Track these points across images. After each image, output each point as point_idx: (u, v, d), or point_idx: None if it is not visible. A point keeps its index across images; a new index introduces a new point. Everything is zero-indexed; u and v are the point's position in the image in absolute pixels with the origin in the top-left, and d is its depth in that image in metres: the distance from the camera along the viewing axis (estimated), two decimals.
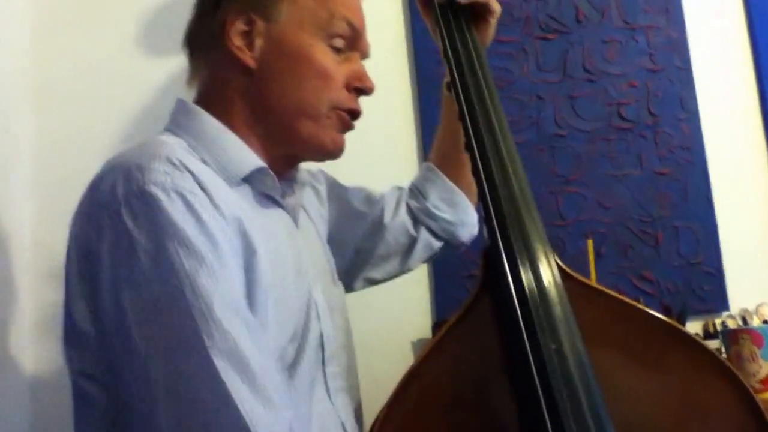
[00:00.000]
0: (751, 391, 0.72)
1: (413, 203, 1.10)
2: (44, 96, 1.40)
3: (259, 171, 0.83)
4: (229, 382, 0.64)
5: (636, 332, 0.77)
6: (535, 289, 0.75)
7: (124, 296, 0.67)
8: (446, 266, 1.53)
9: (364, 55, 0.93)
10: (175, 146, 0.77)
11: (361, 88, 0.89)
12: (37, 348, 1.32)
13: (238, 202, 0.78)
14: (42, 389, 1.34)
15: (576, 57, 1.67)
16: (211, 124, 0.83)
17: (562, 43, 1.68)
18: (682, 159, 1.66)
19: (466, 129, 0.89)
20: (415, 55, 1.62)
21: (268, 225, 0.81)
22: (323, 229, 1.05)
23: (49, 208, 1.36)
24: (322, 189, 1.08)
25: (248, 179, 0.83)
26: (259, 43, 0.84)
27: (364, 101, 0.92)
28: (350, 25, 0.88)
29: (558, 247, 1.59)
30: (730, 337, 1.36)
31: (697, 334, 1.50)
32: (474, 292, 0.79)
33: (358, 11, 0.91)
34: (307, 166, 0.99)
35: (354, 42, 0.89)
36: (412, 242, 1.09)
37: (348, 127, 0.90)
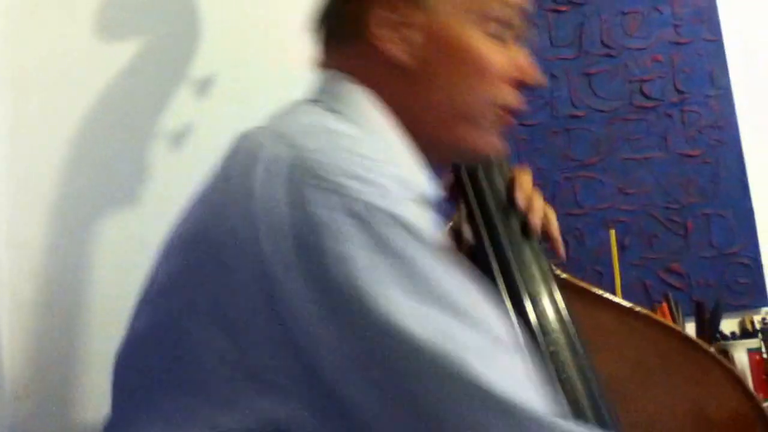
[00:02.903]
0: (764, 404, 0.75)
1: None
2: (19, 82, 1.35)
3: (434, 198, 0.74)
4: None
5: (639, 339, 0.79)
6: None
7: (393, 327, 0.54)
8: None
9: (521, 38, 0.81)
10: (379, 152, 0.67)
11: (521, 79, 0.78)
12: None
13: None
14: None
15: (593, 30, 1.60)
16: (387, 125, 0.73)
17: (577, 16, 1.60)
18: (713, 140, 1.57)
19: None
20: None
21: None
22: None
23: (24, 200, 1.30)
24: None
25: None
26: (407, 34, 0.74)
27: None
28: (509, 6, 0.76)
29: (576, 239, 1.52)
30: None
31: (733, 333, 1.45)
32: None
33: None
34: None
35: (512, 26, 0.78)
36: None
37: (509, 126, 0.80)
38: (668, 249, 1.52)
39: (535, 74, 0.78)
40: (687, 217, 1.53)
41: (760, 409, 0.72)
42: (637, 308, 0.80)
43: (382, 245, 0.55)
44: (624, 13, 1.59)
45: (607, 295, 0.80)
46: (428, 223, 0.62)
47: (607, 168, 1.54)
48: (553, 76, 1.56)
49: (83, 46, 1.36)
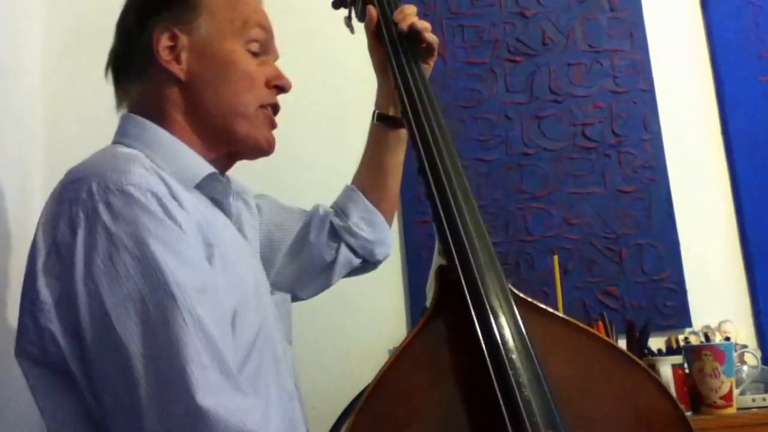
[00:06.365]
0: (681, 406, 0.82)
1: (337, 221, 1.15)
2: (54, 108, 1.52)
3: (210, 176, 0.88)
4: (212, 378, 0.69)
5: (585, 350, 0.84)
6: (497, 320, 0.80)
7: (103, 290, 0.70)
8: (421, 278, 1.58)
9: (275, 57, 1.00)
10: (140, 155, 0.82)
11: (280, 85, 0.97)
12: None
13: (198, 207, 0.83)
14: None
15: (543, 79, 1.73)
16: (161, 133, 0.88)
17: (530, 66, 1.73)
18: (645, 178, 1.71)
19: (419, 155, 0.93)
20: None
21: (221, 231, 0.85)
22: (256, 240, 1.09)
23: None
24: (251, 200, 1.11)
25: (200, 185, 0.88)
26: (185, 55, 0.90)
27: None
28: (263, 28, 0.96)
29: (526, 263, 1.64)
30: (693, 353, 1.39)
31: (659, 349, 1.52)
32: (429, 311, 0.82)
33: (266, 16, 0.98)
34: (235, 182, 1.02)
35: (267, 45, 0.97)
36: (334, 259, 1.14)
37: (274, 124, 0.97)
38: (606, 274, 1.65)
39: (288, 81, 0.97)
40: (622, 246, 1.66)
41: (684, 416, 0.81)
42: (583, 324, 0.85)
43: (102, 232, 0.71)
44: (570, 65, 1.73)
45: (557, 312, 0.85)
46: (187, 202, 0.79)
47: (554, 201, 1.67)
48: (507, 118, 1.69)
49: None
